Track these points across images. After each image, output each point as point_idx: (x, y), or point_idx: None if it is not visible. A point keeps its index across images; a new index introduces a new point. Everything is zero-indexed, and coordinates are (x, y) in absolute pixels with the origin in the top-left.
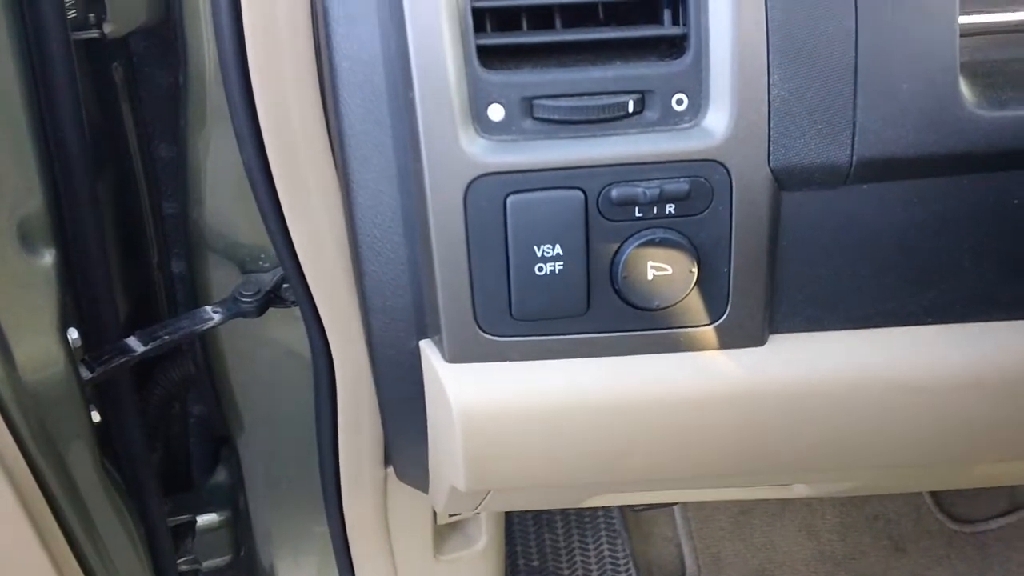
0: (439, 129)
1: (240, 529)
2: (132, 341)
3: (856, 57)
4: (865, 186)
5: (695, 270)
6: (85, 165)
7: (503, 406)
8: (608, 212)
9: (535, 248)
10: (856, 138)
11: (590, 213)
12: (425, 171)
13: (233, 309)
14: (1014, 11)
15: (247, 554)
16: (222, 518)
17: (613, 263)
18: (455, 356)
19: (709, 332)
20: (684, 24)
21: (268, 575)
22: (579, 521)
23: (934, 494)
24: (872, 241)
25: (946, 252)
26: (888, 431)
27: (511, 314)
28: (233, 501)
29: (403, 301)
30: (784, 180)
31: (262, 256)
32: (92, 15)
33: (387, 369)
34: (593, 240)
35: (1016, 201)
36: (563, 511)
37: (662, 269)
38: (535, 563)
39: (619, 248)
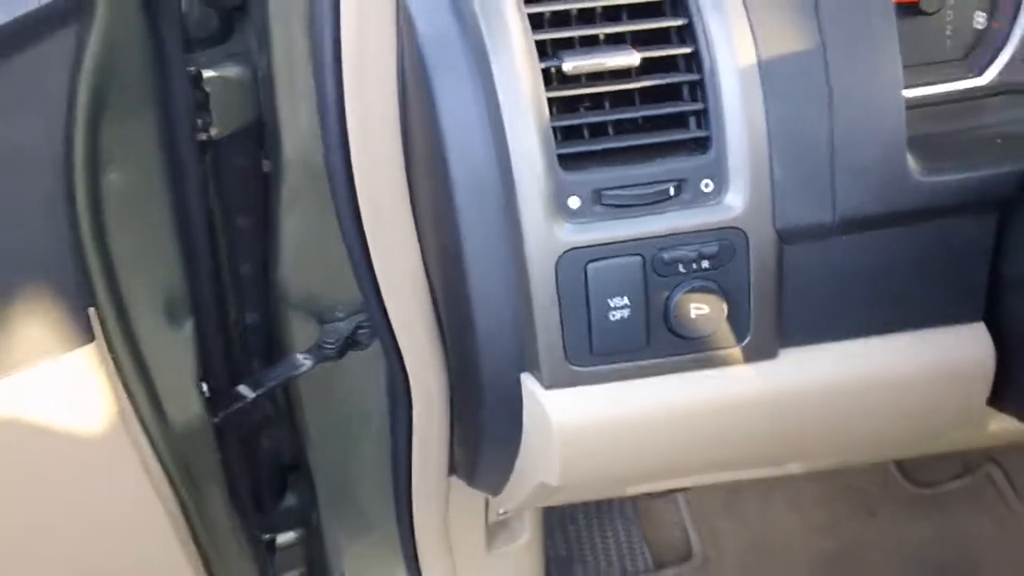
0: (535, 218)
1: (312, 545)
2: (243, 389)
3: (832, 146)
4: (845, 236)
5: (725, 307)
6: (208, 246)
7: (588, 418)
8: (660, 270)
9: (608, 300)
10: (836, 204)
11: (647, 272)
12: (526, 250)
13: (319, 355)
14: (943, 84)
15: (319, 567)
16: (297, 536)
17: (666, 307)
18: (551, 384)
19: (737, 352)
20: (707, 128)
21: None
22: (597, 513)
23: (899, 465)
24: (854, 275)
25: (909, 279)
26: (872, 417)
27: (591, 351)
28: (305, 521)
29: (507, 346)
30: (786, 237)
31: (338, 308)
32: (200, 120)
33: (493, 398)
34: (650, 292)
35: (956, 241)
36: (584, 505)
37: (701, 309)
38: (563, 552)
39: (669, 296)
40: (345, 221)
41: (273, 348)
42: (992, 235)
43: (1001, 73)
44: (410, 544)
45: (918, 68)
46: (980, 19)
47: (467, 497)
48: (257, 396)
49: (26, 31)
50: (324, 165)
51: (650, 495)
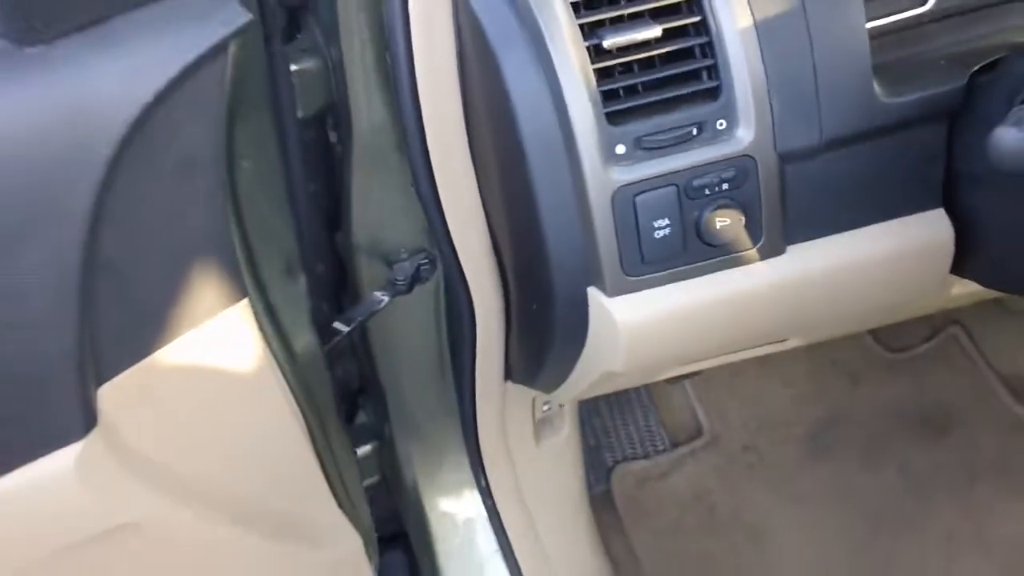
0: (592, 164)
1: (385, 455)
2: (338, 325)
3: (816, 82)
4: (831, 153)
5: (743, 218)
6: (310, 210)
7: (643, 316)
8: (691, 194)
9: (653, 223)
10: (822, 129)
11: (681, 197)
12: (588, 190)
13: (393, 291)
14: (901, 12)
15: (393, 474)
16: (372, 448)
17: (697, 223)
18: (614, 292)
19: (753, 252)
20: (717, 79)
21: (411, 487)
22: (618, 405)
23: (875, 335)
24: (839, 182)
25: (882, 181)
26: (860, 292)
27: (642, 262)
28: (379, 435)
29: (575, 266)
30: (785, 158)
31: (402, 250)
32: None
33: (565, 309)
34: (684, 212)
35: (916, 147)
36: (607, 399)
37: (724, 221)
38: (592, 442)
39: (699, 214)
40: (420, 174)
41: (346, 290)
42: (944, 140)
43: (938, 0)
44: (475, 444)
45: (873, 4)
46: None
47: (517, 400)
48: (351, 329)
49: (192, 67)
50: (399, 132)
51: (667, 381)
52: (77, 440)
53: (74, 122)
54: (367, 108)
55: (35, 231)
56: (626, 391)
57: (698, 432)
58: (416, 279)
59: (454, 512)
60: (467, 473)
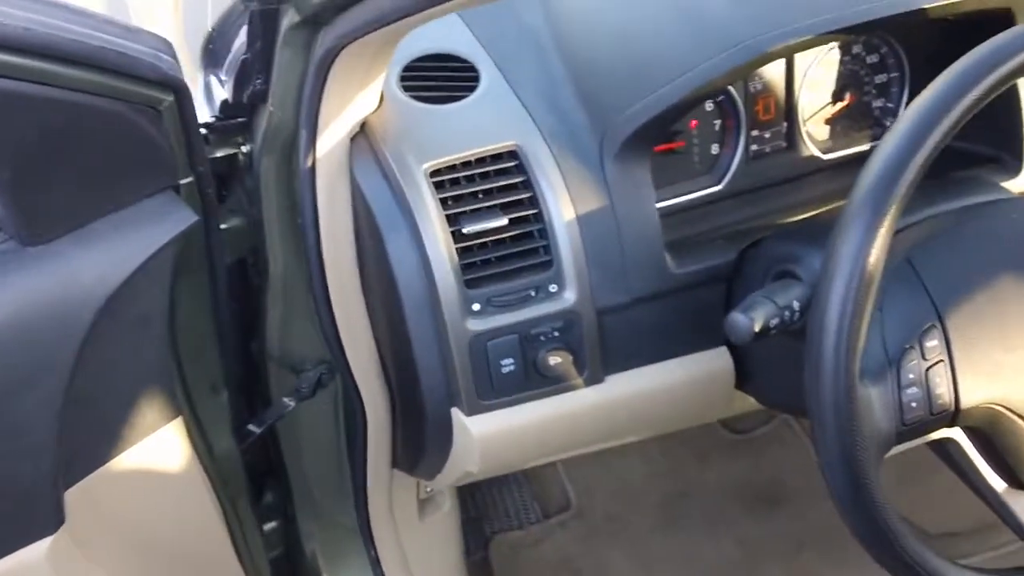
0: (454, 319)
1: (288, 531)
2: (252, 427)
3: (623, 258)
4: (636, 308)
5: (571, 357)
6: (232, 331)
7: (494, 430)
8: (531, 340)
9: (501, 361)
10: (628, 290)
11: (523, 343)
12: (450, 338)
13: (299, 396)
14: (688, 193)
15: (294, 547)
16: (276, 524)
17: (535, 361)
18: (470, 413)
19: (579, 381)
20: (549, 254)
21: (310, 558)
22: (496, 481)
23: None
24: (645, 329)
25: (680, 328)
26: (667, 409)
27: (492, 391)
28: (282, 513)
29: (441, 393)
30: (601, 312)
31: (307, 362)
32: None
33: (434, 425)
34: (525, 353)
35: (703, 301)
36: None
37: (556, 359)
38: (473, 514)
39: (537, 355)
40: (321, 310)
41: (258, 394)
42: (723, 296)
43: (730, 182)
44: (366, 521)
45: (677, 184)
46: (715, 148)
47: (403, 483)
48: (262, 431)
49: (151, 259)
50: (305, 274)
51: None
52: (49, 535)
53: (64, 299)
54: (281, 256)
55: (35, 379)
56: None
57: (567, 504)
58: (319, 386)
59: None
60: (359, 545)
